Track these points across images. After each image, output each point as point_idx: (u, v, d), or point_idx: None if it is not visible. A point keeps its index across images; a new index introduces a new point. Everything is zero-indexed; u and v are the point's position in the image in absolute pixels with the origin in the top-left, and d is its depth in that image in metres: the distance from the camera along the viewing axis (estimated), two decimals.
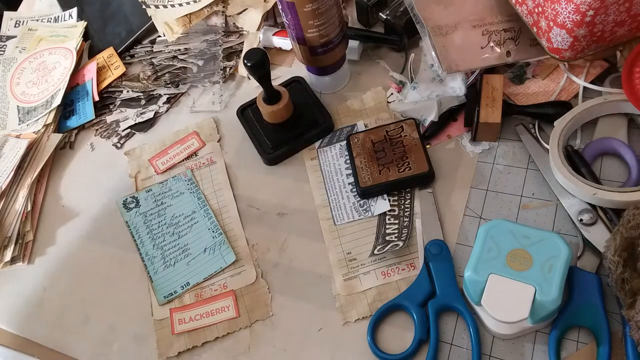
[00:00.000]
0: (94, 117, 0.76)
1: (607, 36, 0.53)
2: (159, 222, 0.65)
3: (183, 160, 0.69)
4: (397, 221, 0.58)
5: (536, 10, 0.55)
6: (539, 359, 0.49)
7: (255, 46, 0.75)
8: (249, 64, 0.58)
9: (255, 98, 0.66)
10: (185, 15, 0.77)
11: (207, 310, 0.58)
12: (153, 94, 0.77)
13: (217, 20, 0.78)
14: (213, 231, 0.62)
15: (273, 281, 0.58)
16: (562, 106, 0.59)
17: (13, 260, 0.66)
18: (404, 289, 0.54)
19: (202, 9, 0.77)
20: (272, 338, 0.55)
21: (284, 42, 0.74)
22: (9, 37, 0.90)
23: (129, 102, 0.78)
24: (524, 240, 0.49)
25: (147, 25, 0.81)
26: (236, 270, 0.60)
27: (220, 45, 0.77)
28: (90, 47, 0.85)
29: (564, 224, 0.54)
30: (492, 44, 0.62)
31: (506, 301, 0.47)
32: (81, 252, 0.65)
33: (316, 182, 0.63)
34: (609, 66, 0.61)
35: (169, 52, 0.80)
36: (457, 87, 0.63)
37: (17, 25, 0.92)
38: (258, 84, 0.61)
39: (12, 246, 0.66)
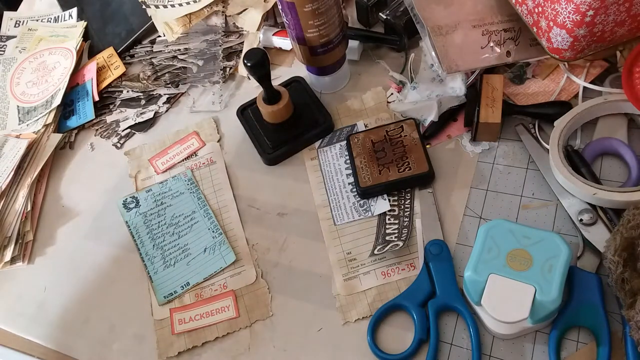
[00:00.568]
0: (94, 117, 0.76)
1: (607, 36, 0.53)
2: (159, 222, 0.65)
3: (183, 160, 0.69)
4: (397, 221, 0.58)
5: (536, 10, 0.55)
6: (539, 359, 0.49)
7: (255, 46, 0.75)
8: (249, 64, 0.58)
9: (255, 98, 0.66)
10: (185, 15, 0.77)
11: (207, 310, 0.58)
12: (153, 94, 0.77)
13: (217, 20, 0.78)
14: (213, 231, 0.62)
15: (273, 281, 0.58)
16: (562, 106, 0.59)
17: (13, 260, 0.66)
18: (404, 289, 0.54)
19: (202, 9, 0.77)
20: (272, 338, 0.55)
21: (284, 42, 0.74)
22: (9, 37, 0.90)
23: (129, 102, 0.78)
24: (524, 240, 0.49)
25: (147, 25, 0.81)
26: (236, 270, 0.60)
27: (220, 45, 0.77)
28: (90, 47, 0.85)
29: (564, 224, 0.54)
30: (492, 44, 0.62)
31: (506, 301, 0.47)
32: (81, 252, 0.65)
33: (316, 182, 0.64)
34: (609, 66, 0.61)
35: (169, 52, 0.80)
36: (457, 87, 0.63)
37: (17, 25, 0.92)
38: (258, 84, 0.61)
39: (12, 246, 0.66)
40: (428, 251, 0.55)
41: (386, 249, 0.56)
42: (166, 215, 0.65)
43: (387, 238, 0.57)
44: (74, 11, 0.89)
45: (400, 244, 0.56)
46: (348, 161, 0.64)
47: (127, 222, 0.66)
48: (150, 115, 0.75)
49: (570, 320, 0.49)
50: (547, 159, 0.56)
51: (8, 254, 0.65)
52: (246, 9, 0.77)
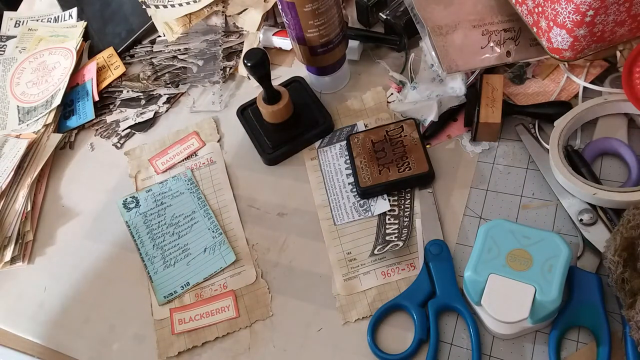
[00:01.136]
0: (94, 117, 0.76)
1: (607, 36, 0.53)
2: (159, 222, 0.65)
3: (183, 160, 0.69)
4: (397, 221, 0.58)
5: (536, 10, 0.55)
6: (539, 359, 0.49)
7: (255, 46, 0.75)
8: (249, 64, 0.58)
9: (255, 98, 0.66)
10: (185, 15, 0.77)
11: (207, 310, 0.58)
12: (153, 94, 0.77)
13: (217, 20, 0.78)
14: (213, 231, 0.62)
15: (273, 281, 0.58)
16: (562, 106, 0.59)
17: (13, 260, 0.66)
18: (404, 289, 0.54)
19: (202, 9, 0.77)
20: (272, 338, 0.55)
21: (284, 42, 0.74)
22: (9, 37, 0.90)
23: (129, 102, 0.78)
24: (524, 240, 0.49)
25: (147, 25, 0.81)
26: (236, 270, 0.60)
27: (220, 45, 0.77)
28: (90, 47, 0.85)
29: (564, 224, 0.54)
30: (492, 44, 0.62)
31: (506, 301, 0.47)
32: (81, 252, 0.65)
33: (316, 182, 0.64)
34: (609, 66, 0.61)
35: (169, 52, 0.80)
36: (457, 87, 0.63)
37: (17, 25, 0.92)
38: (258, 84, 0.61)
39: (12, 246, 0.66)
40: (428, 251, 0.55)
41: (386, 249, 0.56)
42: (166, 215, 0.65)
43: (387, 238, 0.57)
44: (74, 11, 0.89)
45: (400, 244, 0.56)
46: (348, 161, 0.64)
47: (127, 222, 0.66)
48: (150, 115, 0.75)
49: (570, 320, 0.49)
50: (547, 159, 0.56)
51: (8, 254, 0.65)
52: (246, 9, 0.77)
